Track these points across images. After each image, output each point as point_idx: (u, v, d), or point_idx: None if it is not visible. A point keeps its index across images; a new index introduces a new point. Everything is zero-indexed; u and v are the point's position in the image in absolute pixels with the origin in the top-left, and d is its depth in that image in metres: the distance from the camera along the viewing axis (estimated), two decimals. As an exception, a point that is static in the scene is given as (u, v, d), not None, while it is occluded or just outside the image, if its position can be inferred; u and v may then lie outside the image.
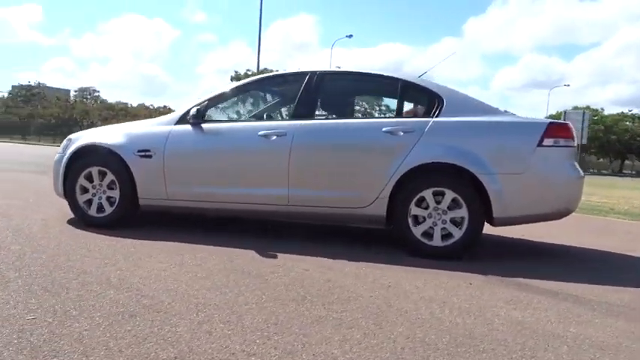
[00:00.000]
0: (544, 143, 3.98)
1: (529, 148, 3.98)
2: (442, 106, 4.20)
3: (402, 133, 4.11)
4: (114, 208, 4.45)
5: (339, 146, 4.24)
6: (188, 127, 4.48)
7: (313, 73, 4.54)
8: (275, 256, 3.68)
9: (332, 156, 4.23)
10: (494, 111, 4.23)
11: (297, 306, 2.59)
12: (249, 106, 5.34)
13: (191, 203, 4.41)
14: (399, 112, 4.46)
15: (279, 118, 5.20)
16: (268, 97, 5.49)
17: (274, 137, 4.27)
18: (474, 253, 4.10)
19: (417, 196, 3.98)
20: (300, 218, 4.64)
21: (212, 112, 4.63)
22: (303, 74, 4.59)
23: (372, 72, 4.66)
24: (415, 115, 4.44)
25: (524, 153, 3.99)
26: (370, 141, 4.20)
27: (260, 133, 4.31)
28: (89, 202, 4.53)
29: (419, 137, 4.07)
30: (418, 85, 4.41)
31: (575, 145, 4.22)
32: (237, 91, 4.89)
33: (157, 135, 4.54)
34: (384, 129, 4.14)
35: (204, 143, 4.46)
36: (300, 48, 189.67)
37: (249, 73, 41.98)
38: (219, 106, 4.75)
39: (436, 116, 4.18)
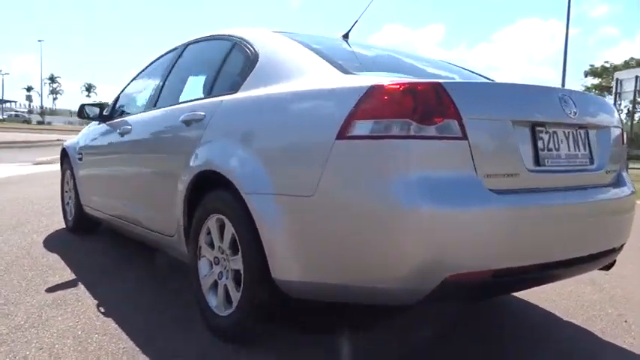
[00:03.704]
0: (350, 132, 1.80)
1: (323, 143, 1.87)
2: (251, 71, 2.41)
3: (193, 123, 2.56)
4: (73, 213, 4.36)
5: (137, 146, 3.00)
6: (99, 125, 3.94)
7: (173, 49, 3.32)
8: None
9: (132, 161, 3.03)
10: (342, 70, 2.11)
11: None
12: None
13: (102, 216, 3.87)
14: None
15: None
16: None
17: (117, 138, 3.34)
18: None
19: (206, 228, 2.42)
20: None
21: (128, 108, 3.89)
22: (167, 53, 3.41)
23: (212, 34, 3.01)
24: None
25: (316, 154, 1.89)
26: (163, 137, 2.81)
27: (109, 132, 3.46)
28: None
29: (204, 129, 2.46)
30: (242, 40, 2.64)
31: (456, 132, 1.75)
32: (134, 79, 3.96)
33: (85, 134, 4.21)
34: (180, 118, 2.67)
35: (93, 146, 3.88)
36: None
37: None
38: (125, 99, 3.95)
39: (236, 89, 2.42)
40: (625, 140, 2.45)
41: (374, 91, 1.78)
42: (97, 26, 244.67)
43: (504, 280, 1.85)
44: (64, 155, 4.53)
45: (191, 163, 2.45)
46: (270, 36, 2.57)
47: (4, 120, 69.99)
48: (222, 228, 2.29)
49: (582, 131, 2.15)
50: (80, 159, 4.12)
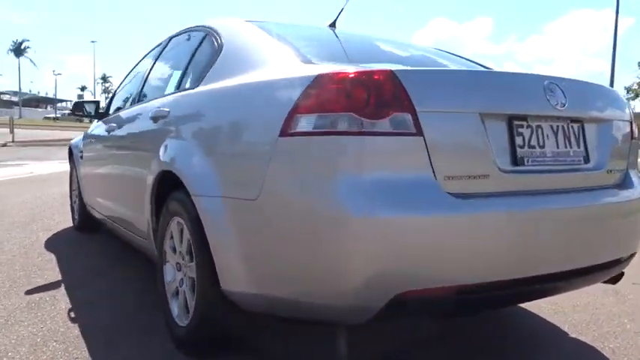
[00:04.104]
0: (294, 128, 1.59)
1: (267, 141, 1.68)
2: (214, 64, 2.24)
3: (160, 120, 2.42)
4: (78, 212, 4.34)
5: (117, 144, 2.93)
6: (97, 122, 3.88)
7: (159, 43, 3.22)
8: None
9: (114, 159, 2.94)
10: (305, 60, 1.90)
11: None
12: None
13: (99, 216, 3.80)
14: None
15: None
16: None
17: (105, 136, 3.25)
18: None
19: (169, 231, 2.27)
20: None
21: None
22: (156, 47, 3.30)
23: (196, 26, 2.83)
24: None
25: (260, 154, 1.70)
26: (136, 135, 2.71)
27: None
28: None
29: (169, 126, 2.32)
30: (211, 30, 2.47)
31: (408, 127, 1.52)
32: (128, 74, 3.85)
33: (86, 132, 4.18)
34: (150, 114, 2.53)
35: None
36: None
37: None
38: (119, 95, 3.85)
39: (199, 83, 2.26)
40: (636, 135, 2.14)
41: (319, 81, 1.58)
42: (149, 26, 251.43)
43: (473, 297, 1.61)
44: (70, 153, 4.51)
45: (154, 163, 2.32)
46: (238, 26, 2.39)
47: (57, 118, 73.06)
48: (182, 232, 2.14)
49: (576, 125, 1.86)
50: (81, 157, 4.09)
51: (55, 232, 4.36)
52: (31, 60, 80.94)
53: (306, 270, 1.59)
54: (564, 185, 1.79)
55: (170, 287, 2.25)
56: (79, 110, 3.78)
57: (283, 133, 1.60)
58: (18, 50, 76.85)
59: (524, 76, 1.83)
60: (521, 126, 1.71)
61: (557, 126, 1.81)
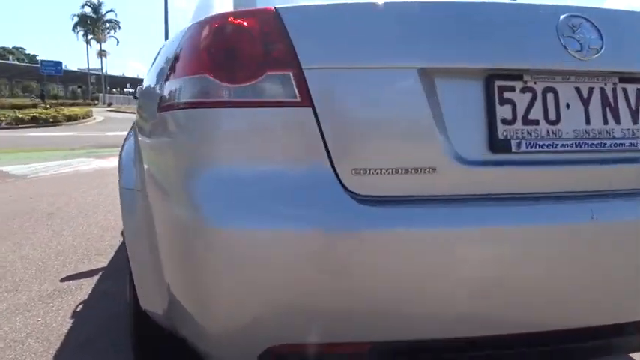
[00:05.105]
0: (163, 101, 1.16)
1: (150, 116, 1.28)
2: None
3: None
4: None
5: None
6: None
7: None
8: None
9: None
10: None
11: None
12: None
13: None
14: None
15: None
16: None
17: None
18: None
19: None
20: None
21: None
22: None
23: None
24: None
25: (147, 132, 1.30)
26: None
27: None
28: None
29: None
30: None
31: (288, 94, 0.99)
32: None
33: None
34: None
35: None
36: None
37: None
38: None
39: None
40: None
41: (187, 34, 1.13)
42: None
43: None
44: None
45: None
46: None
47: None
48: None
49: (625, 86, 1.12)
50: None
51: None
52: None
53: (167, 291, 1.16)
54: (596, 185, 1.08)
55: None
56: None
57: (159, 106, 1.19)
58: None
59: (517, 6, 1.15)
60: (511, 88, 1.06)
61: (590, 88, 1.10)
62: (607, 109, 1.10)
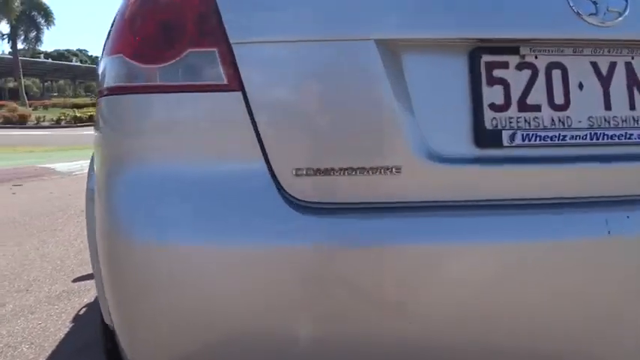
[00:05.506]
0: (98, 88, 0.99)
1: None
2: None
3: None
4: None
5: None
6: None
7: None
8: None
9: None
10: None
11: None
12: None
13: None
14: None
15: None
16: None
17: None
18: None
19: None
20: None
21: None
22: None
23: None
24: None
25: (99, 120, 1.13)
26: None
27: None
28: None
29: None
30: None
31: (214, 76, 0.79)
32: None
33: None
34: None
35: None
36: None
37: None
38: None
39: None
40: None
41: (120, 10, 0.96)
42: None
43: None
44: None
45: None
46: None
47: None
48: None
49: None
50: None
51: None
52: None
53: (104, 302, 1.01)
54: (615, 189, 0.84)
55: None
56: None
57: (102, 91, 1.03)
58: None
59: None
60: (504, 65, 0.83)
61: (612, 63, 0.85)
62: (634, 89, 0.85)
